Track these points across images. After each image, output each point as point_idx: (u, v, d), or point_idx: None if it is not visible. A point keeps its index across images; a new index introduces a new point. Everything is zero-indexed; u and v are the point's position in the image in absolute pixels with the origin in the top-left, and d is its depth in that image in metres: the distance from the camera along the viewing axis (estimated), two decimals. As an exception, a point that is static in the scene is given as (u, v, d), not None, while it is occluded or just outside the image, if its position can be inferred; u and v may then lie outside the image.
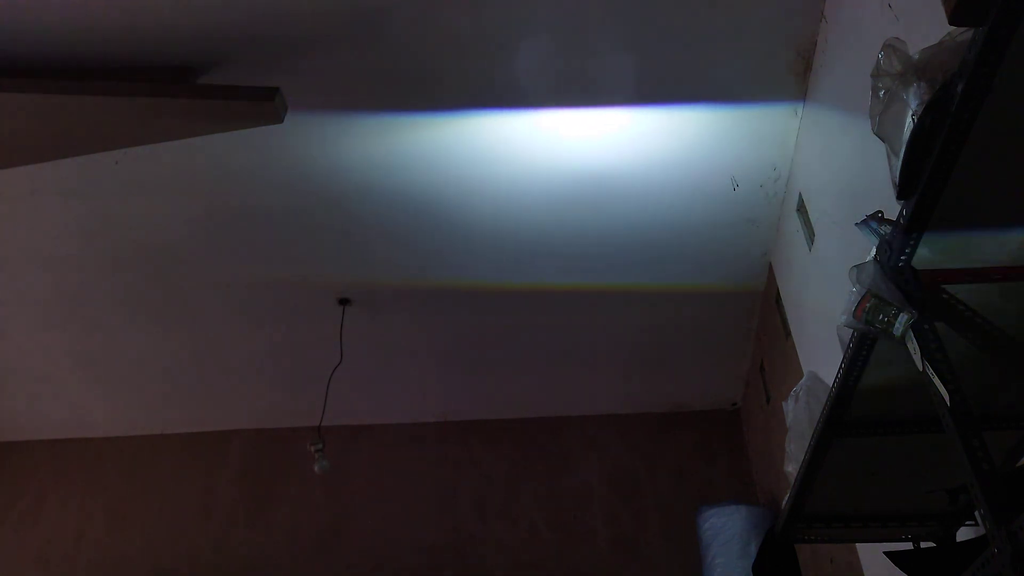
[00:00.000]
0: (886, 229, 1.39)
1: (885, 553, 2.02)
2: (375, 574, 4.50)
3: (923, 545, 2.11)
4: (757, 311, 4.07)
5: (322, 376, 4.06)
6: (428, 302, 4.03)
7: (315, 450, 3.75)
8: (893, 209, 1.36)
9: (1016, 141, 1.23)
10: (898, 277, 1.36)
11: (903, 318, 1.33)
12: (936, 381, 1.29)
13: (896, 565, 1.97)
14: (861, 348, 1.53)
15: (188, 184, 3.31)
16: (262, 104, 2.48)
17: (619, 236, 3.55)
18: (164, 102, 2.55)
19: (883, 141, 1.28)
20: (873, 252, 1.41)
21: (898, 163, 1.23)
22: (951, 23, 1.08)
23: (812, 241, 3.02)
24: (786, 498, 2.04)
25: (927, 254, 1.35)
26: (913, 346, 1.34)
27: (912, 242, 1.33)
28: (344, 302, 4.00)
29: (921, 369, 1.33)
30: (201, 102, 2.59)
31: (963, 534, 2.06)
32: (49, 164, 3.11)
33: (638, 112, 2.98)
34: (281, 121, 2.54)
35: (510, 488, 4.73)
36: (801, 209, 3.11)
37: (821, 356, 2.90)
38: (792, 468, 1.99)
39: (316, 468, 3.75)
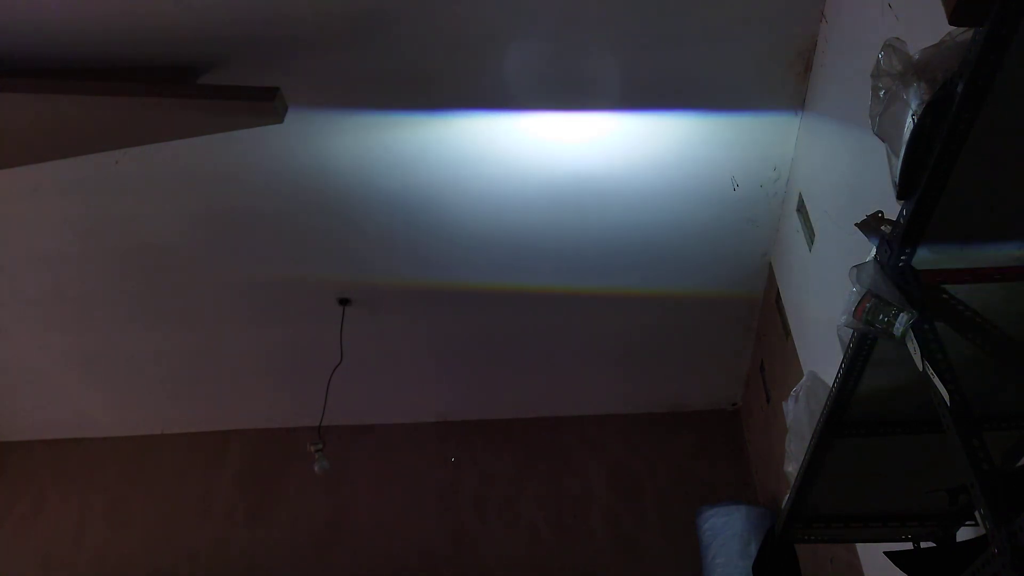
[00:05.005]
0: (886, 229, 1.39)
1: (885, 553, 2.02)
2: (375, 574, 4.49)
3: (923, 545, 2.11)
4: (757, 311, 4.07)
5: (322, 376, 4.05)
6: (428, 302, 4.03)
7: (315, 450, 3.75)
8: (893, 209, 1.36)
9: (1016, 141, 1.23)
10: (898, 277, 1.36)
11: (903, 318, 1.33)
12: (936, 381, 1.29)
13: (896, 565, 1.96)
14: (861, 348, 1.53)
15: (188, 184, 3.31)
16: (262, 104, 2.48)
17: (619, 237, 3.55)
18: (164, 102, 2.55)
19: (883, 141, 1.28)
20: (873, 252, 1.41)
21: (898, 163, 1.23)
22: (951, 23, 1.08)
23: (812, 241, 3.02)
24: (786, 498, 2.04)
25: (927, 254, 1.35)
26: (913, 346, 1.34)
27: (912, 242, 1.33)
28: (344, 302, 3.99)
29: (921, 369, 1.33)
30: (201, 102, 2.59)
31: (963, 534, 2.06)
32: (49, 164, 3.10)
33: (638, 114, 2.98)
34: (281, 121, 2.54)
35: (510, 488, 4.72)
36: (801, 209, 3.11)
37: (821, 356, 2.90)
38: (792, 468, 1.99)
39: (316, 468, 3.75)
